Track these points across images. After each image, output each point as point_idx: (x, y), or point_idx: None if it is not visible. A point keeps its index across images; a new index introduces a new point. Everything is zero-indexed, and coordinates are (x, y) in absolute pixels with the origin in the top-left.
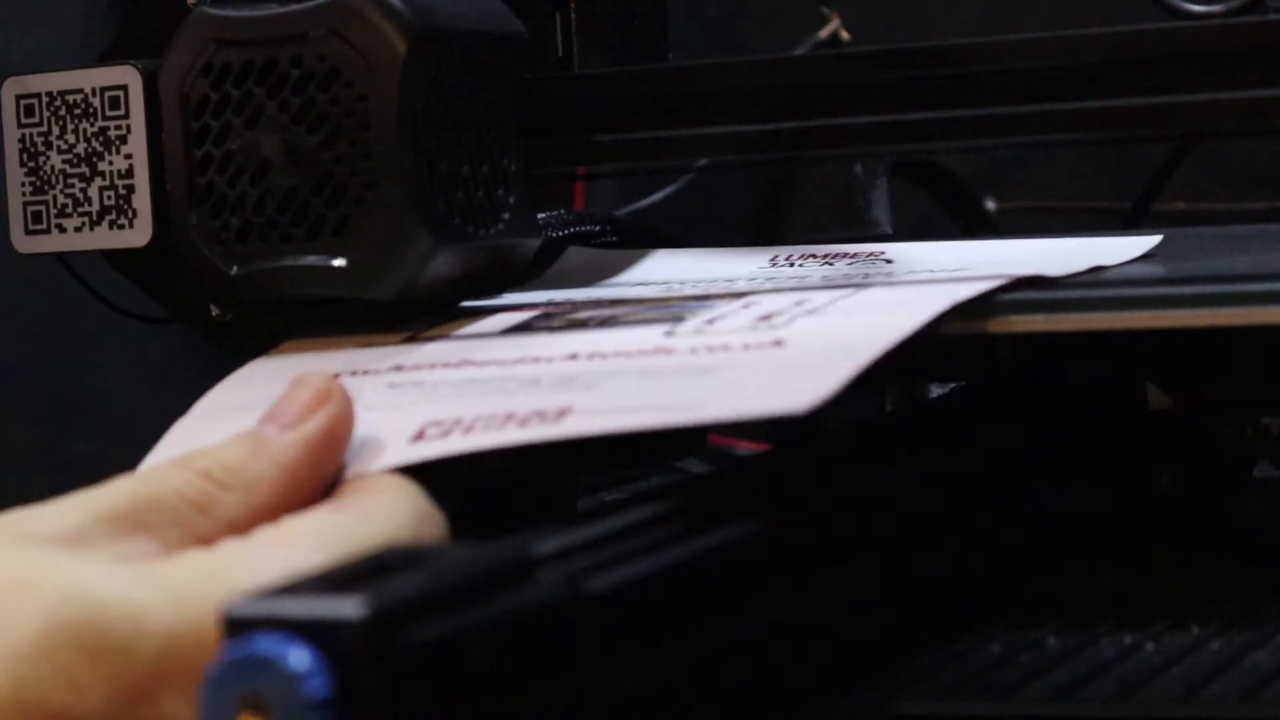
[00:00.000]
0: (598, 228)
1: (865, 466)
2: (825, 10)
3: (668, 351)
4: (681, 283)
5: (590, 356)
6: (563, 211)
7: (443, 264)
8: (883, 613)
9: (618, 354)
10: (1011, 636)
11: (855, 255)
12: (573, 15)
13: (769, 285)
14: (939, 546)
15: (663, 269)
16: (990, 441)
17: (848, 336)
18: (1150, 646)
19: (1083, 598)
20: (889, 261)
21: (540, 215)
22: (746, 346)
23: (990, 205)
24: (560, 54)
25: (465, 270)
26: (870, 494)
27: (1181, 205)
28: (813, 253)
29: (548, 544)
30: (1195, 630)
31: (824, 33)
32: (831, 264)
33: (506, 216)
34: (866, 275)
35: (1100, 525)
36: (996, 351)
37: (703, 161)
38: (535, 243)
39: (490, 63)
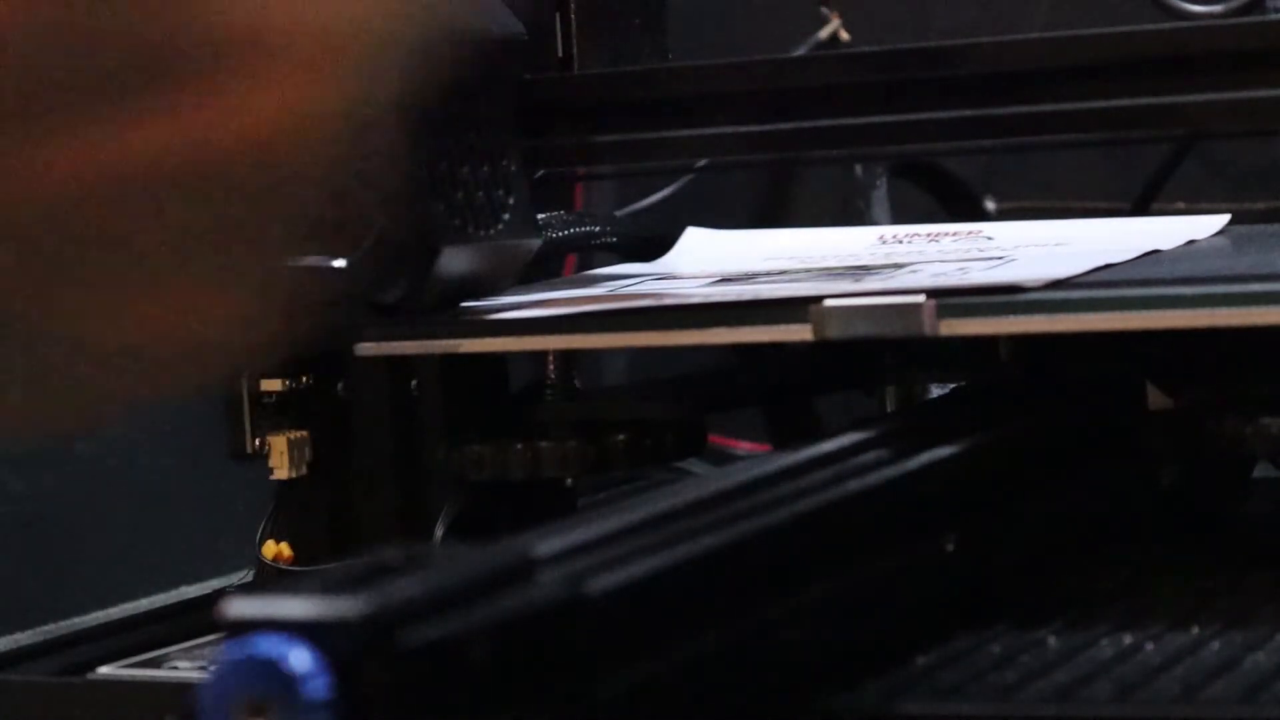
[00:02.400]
0: (598, 228)
1: (864, 467)
2: (825, 10)
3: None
4: (810, 256)
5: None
6: (563, 212)
7: (443, 265)
8: (883, 613)
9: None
10: (1011, 637)
11: (958, 233)
12: (573, 15)
13: (916, 257)
14: (938, 547)
15: (781, 245)
16: (989, 442)
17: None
18: (1150, 647)
19: (1083, 598)
20: (990, 239)
21: (540, 216)
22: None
23: (990, 205)
24: (560, 54)
25: (466, 271)
26: (869, 494)
27: (1181, 205)
28: (916, 232)
29: (548, 545)
30: (1195, 630)
31: (824, 33)
32: (938, 241)
33: (507, 217)
34: (982, 249)
35: (1100, 525)
36: (997, 352)
37: (702, 162)
38: (536, 243)
39: (490, 63)
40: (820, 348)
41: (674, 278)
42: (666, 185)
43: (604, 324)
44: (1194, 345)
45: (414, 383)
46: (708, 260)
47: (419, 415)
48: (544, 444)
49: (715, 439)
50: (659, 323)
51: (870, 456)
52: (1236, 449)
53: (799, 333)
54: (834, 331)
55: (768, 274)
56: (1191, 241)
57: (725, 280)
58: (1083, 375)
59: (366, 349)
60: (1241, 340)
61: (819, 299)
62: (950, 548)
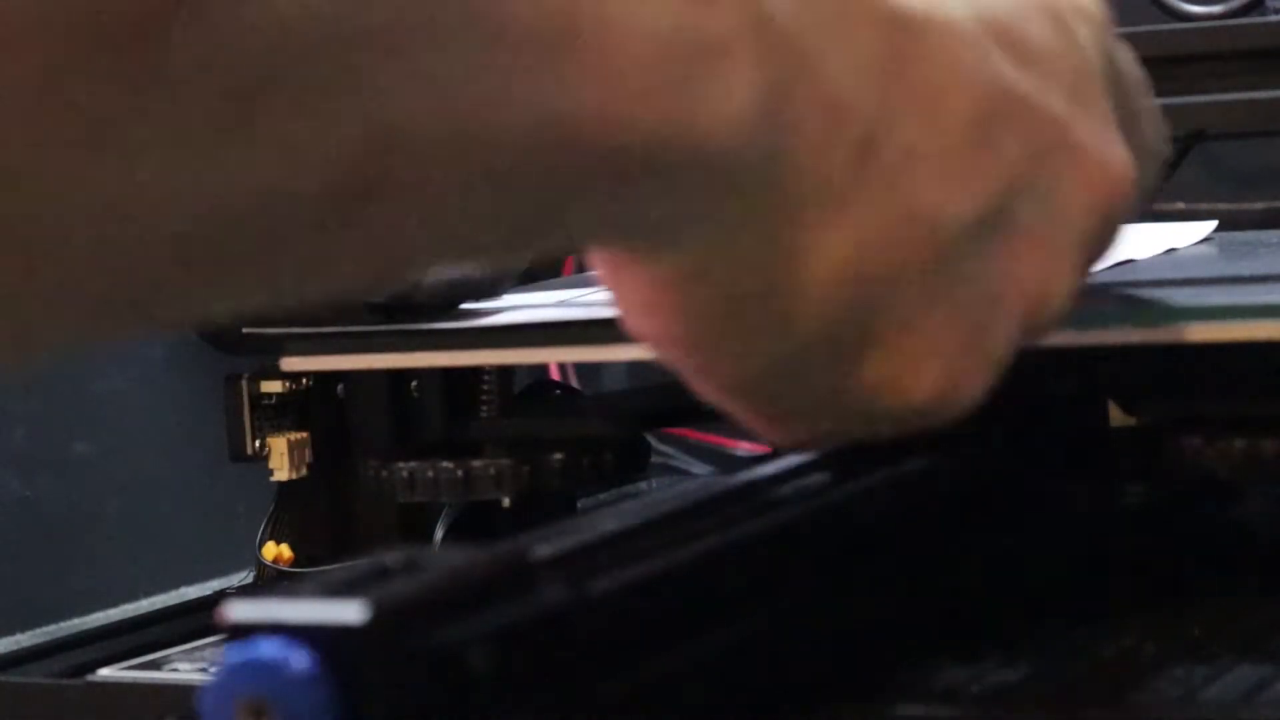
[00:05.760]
0: None
1: (864, 469)
2: None
3: None
4: None
5: None
6: None
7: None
8: (882, 615)
9: None
10: (1010, 638)
11: None
12: None
13: None
14: (937, 548)
15: None
16: (981, 440)
17: None
18: (1150, 647)
19: (1082, 598)
20: None
21: None
22: None
23: None
24: None
25: (464, 271)
26: (869, 496)
27: (1181, 205)
28: None
29: (548, 547)
30: (1195, 631)
31: None
32: None
33: None
34: None
35: (1100, 528)
36: None
37: None
38: None
39: None
40: None
41: None
42: None
43: (543, 338)
44: (1156, 359)
45: (414, 384)
46: None
47: (420, 417)
48: (476, 464)
49: (716, 440)
50: (601, 337)
51: (866, 460)
52: (1199, 469)
53: None
54: None
55: None
56: (1171, 250)
57: None
58: (1040, 390)
59: (292, 364)
60: (1206, 355)
61: None
62: (948, 550)
